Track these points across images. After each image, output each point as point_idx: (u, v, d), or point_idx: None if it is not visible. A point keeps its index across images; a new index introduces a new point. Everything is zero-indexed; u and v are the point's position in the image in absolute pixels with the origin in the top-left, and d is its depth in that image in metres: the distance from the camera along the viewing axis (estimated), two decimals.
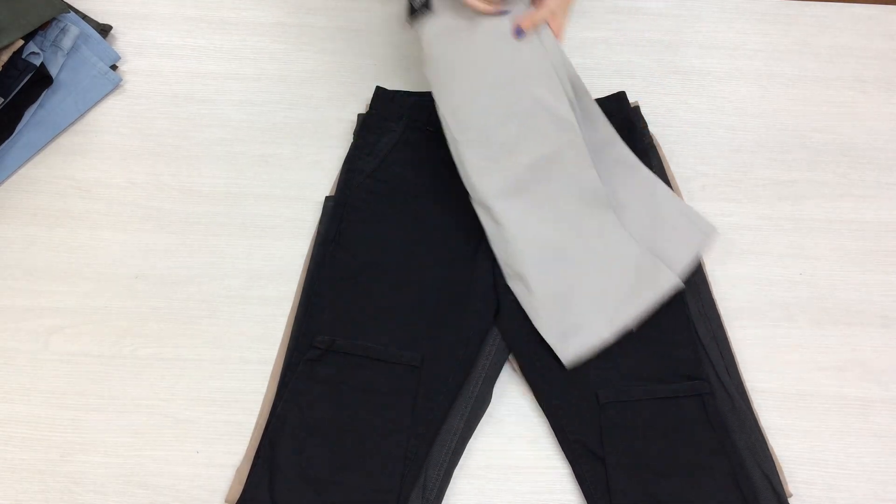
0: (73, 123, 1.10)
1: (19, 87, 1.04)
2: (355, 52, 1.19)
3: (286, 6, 1.24)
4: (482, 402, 0.90)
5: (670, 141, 1.11)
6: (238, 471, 0.85)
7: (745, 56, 1.20)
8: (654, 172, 1.02)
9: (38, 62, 1.05)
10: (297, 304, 0.95)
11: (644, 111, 1.09)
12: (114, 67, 1.14)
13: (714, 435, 0.85)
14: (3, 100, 1.03)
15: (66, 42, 1.10)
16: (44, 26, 1.08)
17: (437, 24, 0.92)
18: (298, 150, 1.09)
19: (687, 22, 1.23)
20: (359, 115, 1.06)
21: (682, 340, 0.90)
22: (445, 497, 0.85)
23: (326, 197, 1.02)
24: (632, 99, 1.09)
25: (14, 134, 1.06)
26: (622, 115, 1.03)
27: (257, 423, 0.88)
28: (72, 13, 1.12)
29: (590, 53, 1.20)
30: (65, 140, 1.10)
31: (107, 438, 0.89)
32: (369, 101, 1.06)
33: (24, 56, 1.04)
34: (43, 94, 1.08)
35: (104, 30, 1.16)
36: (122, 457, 0.88)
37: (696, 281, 0.96)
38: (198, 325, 0.96)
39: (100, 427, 0.90)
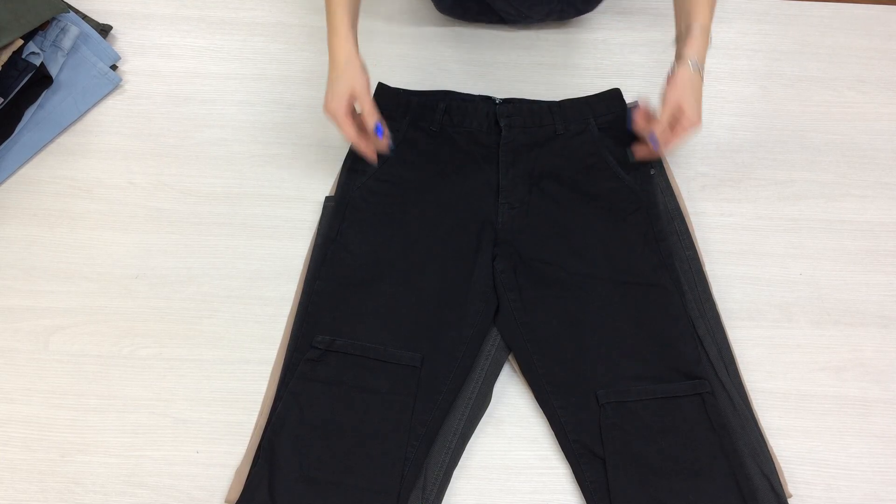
0: (73, 123, 1.10)
1: (19, 87, 1.04)
2: None
3: (286, 6, 1.24)
4: (482, 402, 0.90)
5: None
6: (238, 471, 0.85)
7: (745, 56, 1.20)
8: (655, 172, 1.02)
9: (38, 62, 1.05)
10: (297, 304, 0.95)
11: None
12: (114, 67, 1.14)
13: (714, 435, 0.84)
14: (2, 100, 1.03)
15: (66, 42, 1.10)
16: (44, 26, 1.08)
17: None
18: (298, 150, 1.09)
19: None
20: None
21: (681, 340, 0.90)
22: (445, 497, 0.85)
23: (326, 197, 1.02)
24: (631, 99, 1.09)
25: (14, 134, 1.06)
26: (616, 112, 1.03)
27: (257, 423, 0.88)
28: (72, 13, 1.12)
29: (590, 53, 1.20)
30: (65, 140, 1.10)
31: (107, 438, 0.89)
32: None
33: (24, 56, 1.04)
34: (43, 94, 1.08)
35: (104, 30, 1.16)
36: (122, 457, 0.88)
37: (696, 281, 0.96)
38: (198, 326, 0.96)
39: (100, 427, 0.90)
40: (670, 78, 0.91)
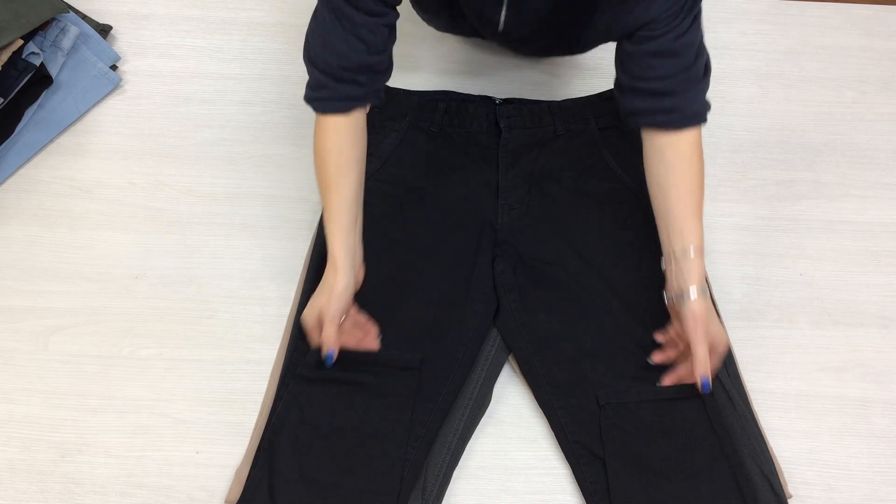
0: (73, 123, 1.10)
1: (19, 87, 1.04)
2: None
3: (286, 6, 1.24)
4: (482, 402, 0.90)
5: None
6: (238, 471, 0.85)
7: (745, 56, 1.20)
8: None
9: (38, 62, 1.05)
10: (296, 304, 0.95)
11: None
12: (114, 67, 1.14)
13: (714, 435, 0.84)
14: (2, 100, 1.03)
15: (66, 42, 1.10)
16: (44, 26, 1.08)
17: None
18: (298, 150, 1.09)
19: None
20: None
21: None
22: (445, 497, 0.85)
23: None
24: None
25: (14, 134, 1.06)
26: (616, 112, 1.03)
27: (257, 423, 0.88)
28: (72, 13, 1.12)
29: (590, 54, 1.19)
30: (65, 140, 1.10)
31: (107, 438, 0.89)
32: None
33: (24, 56, 1.04)
34: (43, 94, 1.08)
35: (104, 30, 1.16)
36: (122, 457, 0.88)
37: None
38: (198, 326, 0.96)
39: (100, 427, 0.90)
40: (689, 314, 0.82)
